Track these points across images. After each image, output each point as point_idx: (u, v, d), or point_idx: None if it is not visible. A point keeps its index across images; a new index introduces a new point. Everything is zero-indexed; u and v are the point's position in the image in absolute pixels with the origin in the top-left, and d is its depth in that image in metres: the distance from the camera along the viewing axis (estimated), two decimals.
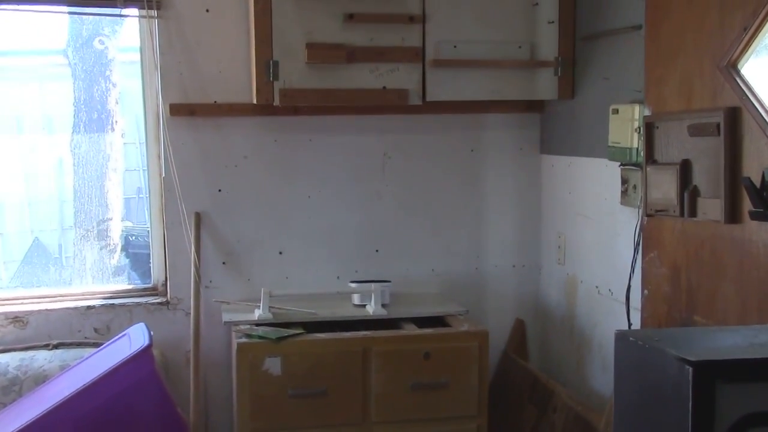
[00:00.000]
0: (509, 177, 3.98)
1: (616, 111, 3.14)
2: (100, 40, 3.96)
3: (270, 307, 3.47)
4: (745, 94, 2.38)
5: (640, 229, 3.00)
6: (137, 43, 3.65)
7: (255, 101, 3.42)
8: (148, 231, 3.80)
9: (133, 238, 4.26)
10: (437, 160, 3.91)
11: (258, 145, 3.71)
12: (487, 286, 4.02)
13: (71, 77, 4.09)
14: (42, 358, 3.46)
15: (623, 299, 3.13)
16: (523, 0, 3.53)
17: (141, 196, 4.26)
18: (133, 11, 3.58)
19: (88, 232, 3.99)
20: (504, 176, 3.97)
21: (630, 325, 3.05)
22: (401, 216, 3.90)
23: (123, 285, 3.93)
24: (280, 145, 3.75)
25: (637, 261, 3.02)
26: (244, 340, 3.27)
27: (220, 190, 3.73)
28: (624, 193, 3.16)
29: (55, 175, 4.26)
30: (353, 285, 3.67)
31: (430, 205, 3.93)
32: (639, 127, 2.98)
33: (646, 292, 2.89)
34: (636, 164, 3.04)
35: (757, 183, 2.24)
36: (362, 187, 3.85)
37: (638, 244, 3.02)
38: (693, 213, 2.57)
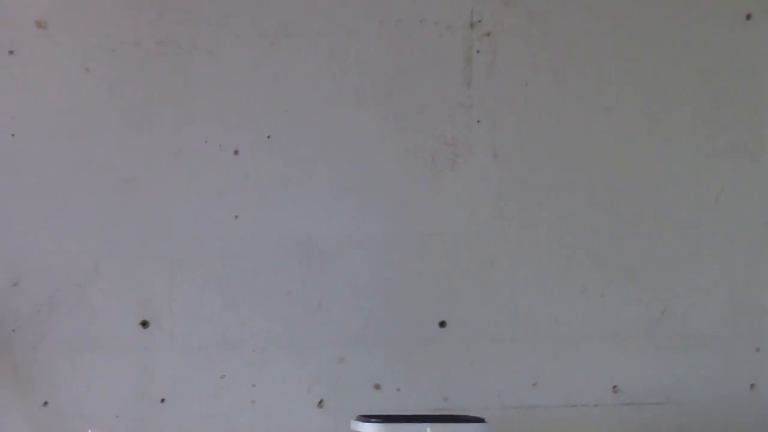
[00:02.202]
0: None
1: None
2: None
3: None
4: None
5: None
6: None
7: None
8: None
9: None
10: (635, 53, 2.71)
11: None
12: None
13: None
14: None
15: None
16: None
17: None
18: None
19: None
20: None
21: None
22: (517, 220, 2.67)
23: None
24: None
25: None
26: None
27: None
28: None
29: None
30: (366, 427, 2.37)
31: (604, 189, 2.71)
32: None
33: None
34: None
35: None
36: (397, 124, 2.60)
37: None
38: None
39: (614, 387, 2.64)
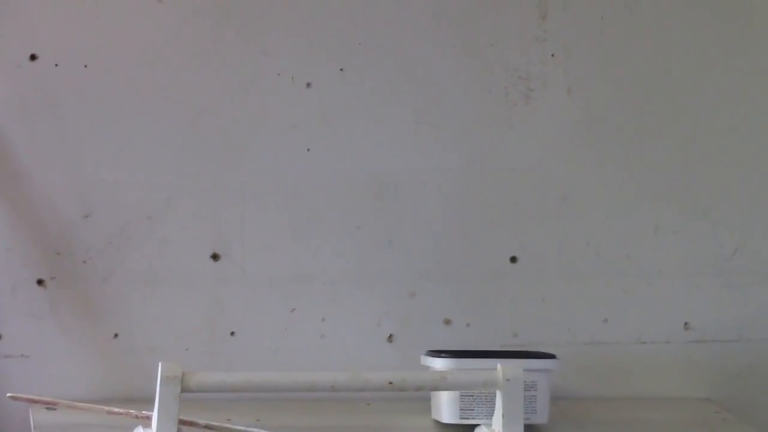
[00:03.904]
0: None
1: None
2: None
3: (181, 422, 2.04)
4: None
5: None
6: None
7: None
8: None
9: None
10: None
11: None
12: None
13: None
14: None
15: None
16: None
17: None
18: None
19: None
20: None
21: None
22: (590, 156, 2.57)
23: None
24: None
25: None
26: None
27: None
28: None
29: None
30: (436, 362, 2.31)
31: (679, 125, 2.57)
32: None
33: None
34: None
35: None
36: (470, 58, 2.54)
37: None
38: None
39: (686, 324, 2.48)
